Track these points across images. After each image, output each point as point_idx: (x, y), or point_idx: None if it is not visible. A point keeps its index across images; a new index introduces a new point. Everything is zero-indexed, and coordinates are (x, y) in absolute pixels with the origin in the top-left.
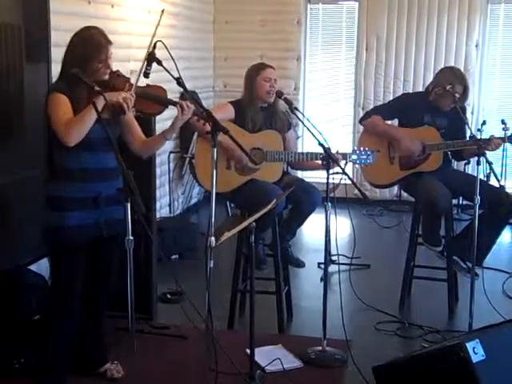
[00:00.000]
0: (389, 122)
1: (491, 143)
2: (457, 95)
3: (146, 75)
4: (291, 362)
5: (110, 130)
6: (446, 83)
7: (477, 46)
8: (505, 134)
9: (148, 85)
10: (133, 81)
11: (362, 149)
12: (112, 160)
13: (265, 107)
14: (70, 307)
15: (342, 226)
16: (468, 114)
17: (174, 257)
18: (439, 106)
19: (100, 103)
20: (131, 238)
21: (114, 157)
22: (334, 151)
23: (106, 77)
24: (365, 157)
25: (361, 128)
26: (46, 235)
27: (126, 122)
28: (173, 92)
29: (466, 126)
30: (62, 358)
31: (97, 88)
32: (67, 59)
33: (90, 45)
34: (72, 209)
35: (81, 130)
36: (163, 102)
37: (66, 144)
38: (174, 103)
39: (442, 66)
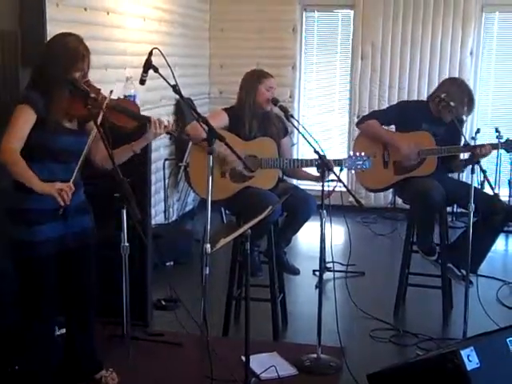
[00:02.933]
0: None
1: (482, 147)
2: (462, 108)
3: (142, 82)
4: (286, 369)
5: (78, 140)
6: (450, 95)
7: (471, 53)
8: (499, 141)
9: (120, 98)
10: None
11: (357, 154)
12: (74, 171)
13: (260, 114)
14: (43, 315)
15: (337, 234)
16: None
17: (168, 263)
18: (440, 116)
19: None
20: (127, 244)
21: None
22: (329, 159)
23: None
24: (360, 162)
25: (356, 135)
26: (12, 249)
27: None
28: (169, 99)
29: (462, 137)
30: (46, 367)
31: (92, 95)
32: (44, 66)
33: (69, 53)
34: (40, 222)
35: (14, 172)
36: (136, 117)
37: None
38: (147, 118)
39: (437, 74)
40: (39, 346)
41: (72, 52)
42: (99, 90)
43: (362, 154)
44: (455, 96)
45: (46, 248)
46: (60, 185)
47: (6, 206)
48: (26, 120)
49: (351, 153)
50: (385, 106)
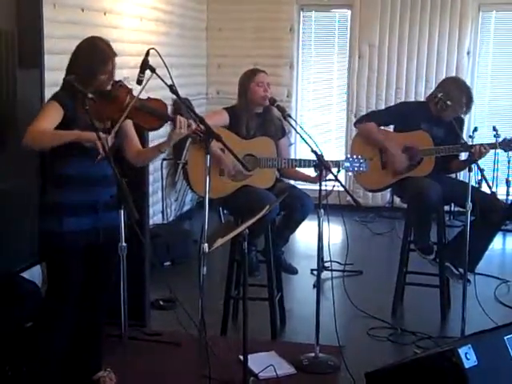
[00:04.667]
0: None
1: (479, 147)
2: (460, 108)
3: (139, 82)
4: (284, 368)
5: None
6: (449, 95)
7: (468, 53)
8: (496, 140)
9: (149, 98)
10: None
11: (355, 156)
12: (109, 167)
13: (259, 113)
14: (65, 310)
15: (335, 233)
16: None
17: (166, 263)
18: (439, 116)
19: (84, 138)
20: (124, 244)
21: (105, 164)
22: (326, 159)
23: (109, 87)
24: (357, 164)
25: (353, 135)
26: (42, 240)
27: (125, 130)
28: (165, 99)
29: (461, 140)
30: (54, 363)
31: (90, 95)
32: (72, 69)
33: (96, 56)
34: (70, 214)
35: (47, 141)
36: (161, 117)
37: (23, 144)
38: (172, 119)
39: (434, 74)
40: (56, 344)
41: (99, 55)
42: (130, 90)
43: (360, 156)
44: (453, 95)
45: (75, 239)
46: (99, 134)
47: (39, 201)
48: (54, 111)
49: (349, 155)
50: (382, 105)
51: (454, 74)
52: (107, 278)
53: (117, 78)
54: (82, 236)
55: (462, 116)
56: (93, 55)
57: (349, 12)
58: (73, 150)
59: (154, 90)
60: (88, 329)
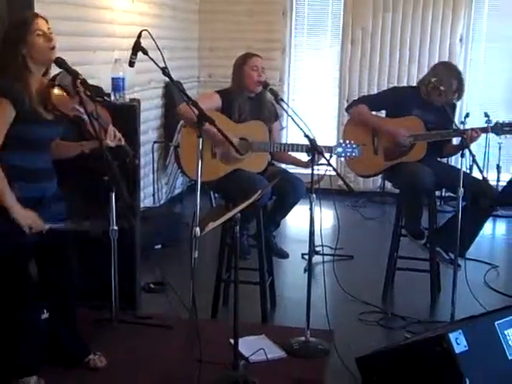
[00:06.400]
0: (374, 113)
1: (471, 131)
2: (452, 93)
3: (131, 64)
4: (275, 352)
5: (55, 130)
6: (441, 79)
7: (461, 39)
8: (488, 125)
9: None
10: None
11: (347, 142)
12: (50, 160)
13: (252, 97)
14: (27, 312)
15: (326, 217)
16: None
17: (157, 246)
18: (431, 100)
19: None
20: (116, 228)
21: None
22: (319, 144)
23: (53, 55)
24: (350, 150)
25: (345, 120)
26: None
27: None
28: (158, 81)
29: (453, 125)
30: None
31: (81, 77)
32: (1, 51)
33: (17, 22)
34: None
35: None
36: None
37: None
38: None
39: (427, 60)
40: (27, 333)
41: (19, 20)
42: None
43: (352, 141)
44: (445, 80)
45: (25, 237)
46: (32, 219)
47: None
48: (5, 120)
49: (341, 140)
50: (374, 90)
51: (446, 60)
52: (63, 266)
53: (108, 59)
54: (31, 235)
55: (454, 101)
56: (15, 23)
57: None
58: (19, 146)
59: (147, 72)
60: (61, 316)
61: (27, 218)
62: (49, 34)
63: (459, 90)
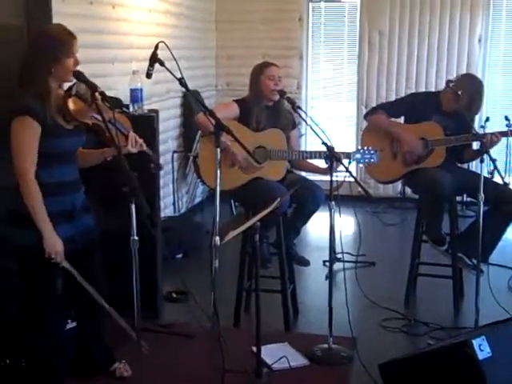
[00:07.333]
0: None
1: (491, 136)
2: (478, 108)
3: (149, 76)
4: (297, 359)
5: (78, 140)
6: (470, 95)
7: (480, 40)
8: (508, 129)
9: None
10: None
11: (365, 148)
12: (77, 170)
13: (270, 106)
14: (55, 316)
15: (347, 224)
16: None
17: (178, 256)
18: (451, 108)
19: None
20: (136, 238)
21: (76, 167)
22: (337, 150)
23: (71, 78)
24: (368, 156)
25: (364, 125)
26: (18, 255)
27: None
28: (176, 91)
29: (473, 130)
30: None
31: (100, 89)
32: (29, 64)
33: (55, 40)
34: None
35: (29, 204)
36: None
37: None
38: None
39: (445, 63)
40: (51, 342)
41: (57, 39)
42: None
43: (370, 147)
44: (473, 95)
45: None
46: (57, 251)
47: (9, 208)
48: (33, 137)
49: (359, 146)
50: (392, 95)
51: (465, 63)
52: (91, 275)
53: (126, 71)
54: (63, 245)
55: (473, 115)
56: (51, 41)
57: (358, 1)
58: (46, 160)
59: (164, 82)
60: (89, 324)
61: (53, 247)
62: (77, 57)
63: (479, 107)
